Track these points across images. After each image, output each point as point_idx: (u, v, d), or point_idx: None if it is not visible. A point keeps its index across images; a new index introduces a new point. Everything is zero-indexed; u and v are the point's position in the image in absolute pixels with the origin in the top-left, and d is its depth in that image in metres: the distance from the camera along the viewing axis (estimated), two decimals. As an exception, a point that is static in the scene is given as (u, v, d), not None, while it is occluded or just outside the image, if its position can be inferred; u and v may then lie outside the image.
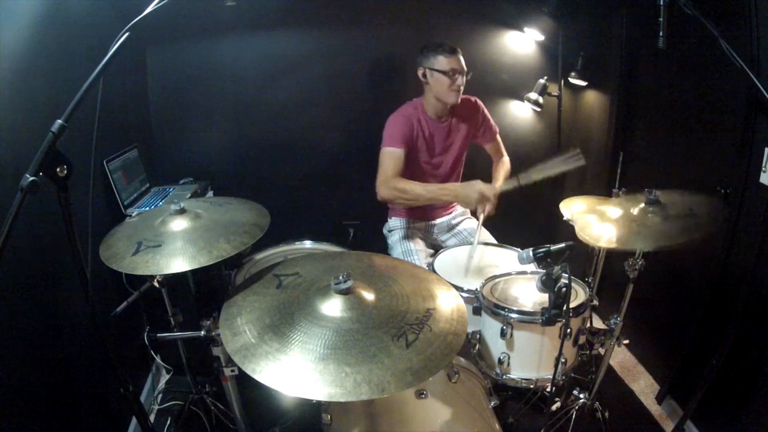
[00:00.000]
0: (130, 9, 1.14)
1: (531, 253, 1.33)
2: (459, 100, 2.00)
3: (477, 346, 1.53)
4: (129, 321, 1.77)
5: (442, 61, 1.92)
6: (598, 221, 1.50)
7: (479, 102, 2.18)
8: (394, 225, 2.26)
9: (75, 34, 1.68)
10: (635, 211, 1.47)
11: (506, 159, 2.28)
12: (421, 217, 2.25)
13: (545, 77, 2.59)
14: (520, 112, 2.78)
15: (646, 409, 2.08)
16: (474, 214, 2.21)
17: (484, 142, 2.25)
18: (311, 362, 0.96)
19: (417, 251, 2.11)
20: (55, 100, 1.40)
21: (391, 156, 1.95)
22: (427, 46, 1.98)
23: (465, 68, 1.96)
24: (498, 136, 2.25)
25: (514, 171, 2.19)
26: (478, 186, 1.84)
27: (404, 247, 2.14)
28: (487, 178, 2.16)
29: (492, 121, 2.22)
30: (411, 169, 2.11)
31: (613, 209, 1.53)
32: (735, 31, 1.54)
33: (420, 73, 1.99)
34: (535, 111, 2.73)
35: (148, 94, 2.49)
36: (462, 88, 1.97)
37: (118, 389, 1.14)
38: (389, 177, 1.92)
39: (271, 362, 0.97)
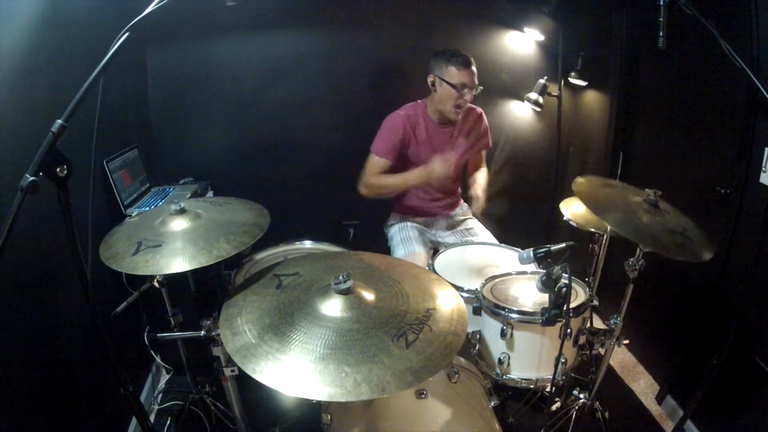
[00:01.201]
0: (130, 9, 1.14)
1: (531, 253, 1.32)
2: (459, 118, 1.99)
3: (477, 346, 1.53)
4: (129, 321, 1.77)
5: (453, 73, 1.89)
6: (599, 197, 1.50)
7: (483, 114, 2.19)
8: (394, 220, 2.27)
9: (75, 34, 1.68)
10: (635, 202, 1.46)
11: (485, 169, 2.29)
12: (421, 215, 2.25)
13: (545, 77, 2.59)
14: (520, 112, 2.78)
15: (646, 409, 2.08)
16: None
17: (474, 151, 2.23)
18: (311, 362, 0.96)
19: (416, 238, 2.13)
20: (55, 100, 1.41)
21: (376, 164, 2.04)
22: (441, 53, 1.94)
23: (476, 82, 1.93)
24: (483, 152, 2.26)
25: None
26: (435, 163, 1.91)
27: (403, 234, 2.15)
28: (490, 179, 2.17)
29: (489, 136, 2.23)
30: (388, 170, 2.13)
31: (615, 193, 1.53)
32: (735, 31, 1.54)
33: (429, 80, 1.98)
34: (535, 111, 2.73)
35: (148, 94, 2.49)
36: (467, 104, 1.96)
37: (118, 389, 1.14)
38: (368, 178, 2.05)
39: (271, 362, 0.97)
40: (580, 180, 1.54)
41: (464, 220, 2.29)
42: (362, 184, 2.06)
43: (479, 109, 2.17)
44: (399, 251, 2.08)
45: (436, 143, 2.09)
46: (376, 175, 2.04)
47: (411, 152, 2.08)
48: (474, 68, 1.92)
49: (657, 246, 1.32)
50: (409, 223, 2.22)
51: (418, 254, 2.03)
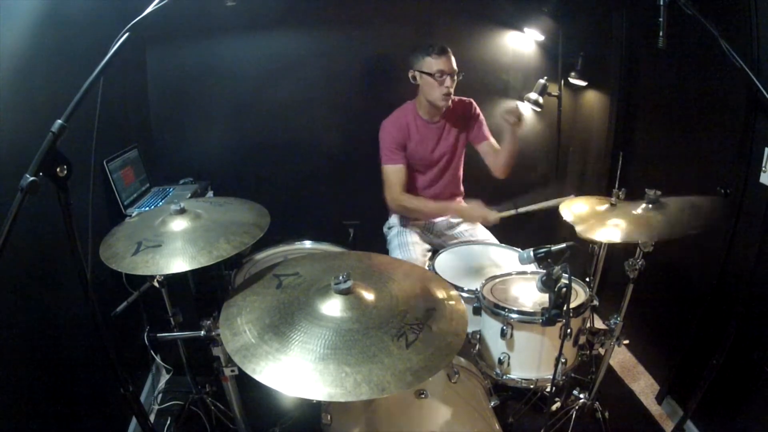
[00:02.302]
0: (130, 9, 1.14)
1: (531, 254, 1.32)
2: (450, 103, 1.99)
3: (477, 346, 1.53)
4: (129, 321, 1.77)
5: (429, 63, 1.92)
6: (599, 221, 1.50)
7: (474, 103, 2.17)
8: (394, 222, 2.27)
9: (75, 34, 1.68)
10: (637, 211, 1.48)
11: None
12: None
13: (545, 77, 2.59)
14: (520, 112, 2.77)
15: (646, 409, 2.08)
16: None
17: (476, 142, 2.16)
18: (311, 362, 0.96)
19: (413, 243, 2.12)
20: (55, 100, 1.40)
21: (393, 173, 2.04)
22: (417, 48, 1.97)
23: (455, 69, 1.93)
24: (492, 139, 2.16)
25: (511, 172, 2.18)
26: (480, 211, 1.94)
27: (401, 239, 2.14)
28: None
29: (484, 123, 2.17)
30: (406, 171, 2.12)
31: (613, 212, 1.54)
32: (735, 31, 1.54)
33: (410, 75, 2.00)
34: (535, 111, 2.73)
35: (148, 94, 2.49)
36: (452, 90, 1.95)
37: (118, 389, 1.14)
38: (396, 195, 2.05)
39: (271, 362, 0.97)
40: (576, 216, 1.58)
41: (464, 221, 2.29)
42: (391, 200, 2.07)
43: (468, 99, 2.15)
44: (396, 256, 2.07)
45: (429, 140, 2.10)
46: (405, 193, 2.06)
47: (408, 153, 2.09)
48: (451, 55, 1.93)
49: (672, 229, 1.33)
50: (408, 227, 2.22)
51: (415, 261, 2.03)
